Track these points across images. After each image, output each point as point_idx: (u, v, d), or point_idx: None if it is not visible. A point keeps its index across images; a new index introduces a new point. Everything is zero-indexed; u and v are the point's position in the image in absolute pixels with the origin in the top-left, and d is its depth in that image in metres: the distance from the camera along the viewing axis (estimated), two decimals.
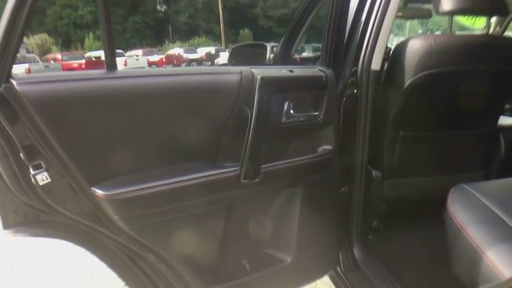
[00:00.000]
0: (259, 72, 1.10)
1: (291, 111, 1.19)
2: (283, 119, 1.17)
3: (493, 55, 1.42)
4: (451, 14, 1.47)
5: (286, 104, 1.17)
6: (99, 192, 0.93)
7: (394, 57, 1.47)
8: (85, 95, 0.91)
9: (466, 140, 1.65)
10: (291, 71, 1.19)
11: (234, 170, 1.09)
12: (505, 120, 1.76)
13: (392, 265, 1.53)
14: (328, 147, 1.31)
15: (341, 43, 1.32)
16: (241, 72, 1.08)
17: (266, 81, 1.09)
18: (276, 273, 1.31)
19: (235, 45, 2.36)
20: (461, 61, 1.39)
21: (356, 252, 1.54)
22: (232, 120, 1.10)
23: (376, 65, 1.36)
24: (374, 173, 1.61)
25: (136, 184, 0.97)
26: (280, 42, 2.40)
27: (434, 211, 1.93)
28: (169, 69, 1.16)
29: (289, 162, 1.20)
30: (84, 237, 1.05)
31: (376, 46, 1.34)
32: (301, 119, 1.22)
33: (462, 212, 1.15)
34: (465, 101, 1.53)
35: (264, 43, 2.47)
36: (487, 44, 1.43)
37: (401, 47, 1.44)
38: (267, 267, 1.30)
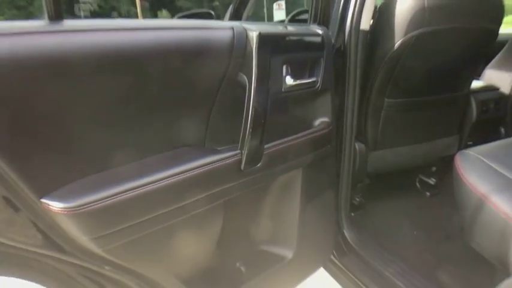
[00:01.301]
0: (253, 28, 0.85)
1: (289, 78, 0.97)
2: (283, 87, 0.95)
3: (482, 13, 1.33)
4: None
5: (284, 69, 0.95)
6: (54, 205, 0.64)
7: (381, 16, 1.31)
8: (17, 58, 0.59)
9: (445, 105, 1.59)
10: (286, 28, 0.97)
11: (233, 156, 0.85)
12: (474, 84, 1.72)
13: (386, 242, 1.42)
14: (326, 119, 1.12)
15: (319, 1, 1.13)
16: (232, 28, 0.82)
17: (264, 39, 0.85)
18: (278, 271, 1.11)
19: (181, 14, 2.06)
20: (454, 19, 1.28)
21: (347, 233, 1.40)
22: (224, 90, 0.85)
23: (365, 24, 1.19)
24: (357, 146, 1.47)
25: (107, 188, 0.68)
26: (229, 11, 2.16)
27: (414, 180, 1.88)
28: (138, 21, 0.89)
29: (291, 139, 0.99)
30: (30, 267, 0.75)
31: (366, 2, 1.16)
32: (301, 86, 1.00)
33: (481, 182, 1.04)
34: (452, 62, 1.44)
35: (211, 11, 2.19)
36: (478, 1, 1.33)
37: (389, 4, 1.28)
38: (267, 268, 1.09)
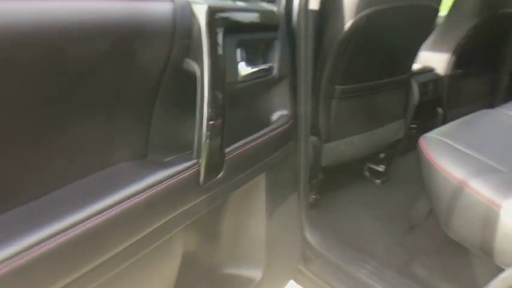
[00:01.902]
0: (198, 1, 0.66)
1: (244, 65, 0.80)
2: (239, 76, 0.77)
3: None
4: None
5: (239, 53, 0.77)
6: None
7: None
8: None
9: (393, 88, 1.54)
10: (235, 2, 0.79)
11: (189, 167, 0.65)
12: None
13: (351, 239, 1.32)
14: (285, 111, 0.97)
15: None
16: (173, 1, 0.62)
17: (216, 15, 0.66)
18: None
19: None
20: None
21: (309, 236, 1.27)
22: (167, 82, 0.65)
23: (314, 3, 1.06)
24: (311, 139, 1.35)
25: (15, 239, 0.45)
26: None
27: (362, 169, 1.82)
28: None
29: (252, 140, 0.82)
30: None
31: None
32: (257, 74, 0.83)
33: (455, 167, 0.98)
34: (400, 42, 1.38)
35: None
36: None
37: None
38: None
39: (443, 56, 1.75)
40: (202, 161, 0.67)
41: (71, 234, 0.48)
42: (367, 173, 1.83)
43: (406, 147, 1.87)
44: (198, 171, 0.66)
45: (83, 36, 0.52)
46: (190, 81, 0.67)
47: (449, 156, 1.02)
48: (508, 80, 2.03)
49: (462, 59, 1.75)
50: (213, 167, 0.69)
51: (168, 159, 0.69)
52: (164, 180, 0.61)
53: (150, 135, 0.67)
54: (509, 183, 0.92)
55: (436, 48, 1.76)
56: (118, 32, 0.55)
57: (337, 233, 1.36)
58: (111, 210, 0.53)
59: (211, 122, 0.66)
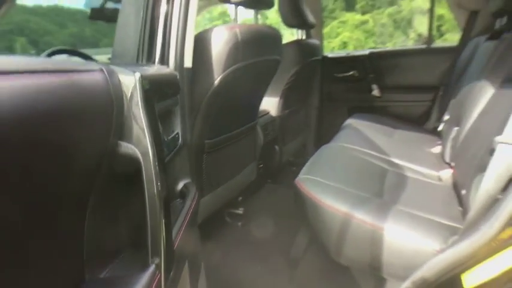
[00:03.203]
0: (123, 69, 0.54)
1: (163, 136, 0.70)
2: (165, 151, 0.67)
3: (273, 47, 1.44)
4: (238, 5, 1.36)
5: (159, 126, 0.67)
6: None
7: (198, 52, 1.17)
8: None
9: (247, 135, 1.62)
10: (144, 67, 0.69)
11: (151, 281, 0.51)
12: None
13: None
14: (187, 180, 0.90)
15: (154, 36, 0.91)
16: (102, 70, 0.49)
17: (149, 86, 0.56)
18: None
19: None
20: (259, 52, 1.31)
21: None
22: (104, 174, 0.50)
23: (188, 61, 1.04)
24: None
25: None
26: None
27: (222, 215, 1.82)
28: None
29: (182, 223, 0.71)
30: None
31: (186, 37, 1.01)
32: (171, 145, 0.74)
33: (339, 203, 1.10)
34: (255, 92, 1.48)
35: None
36: (272, 35, 1.42)
37: (203, 39, 1.16)
38: None
39: (274, 100, 1.98)
40: (161, 263, 0.53)
41: None
42: (227, 218, 1.85)
43: (257, 186, 2.00)
44: (160, 280, 0.53)
45: None
46: (126, 168, 0.54)
47: (328, 193, 1.15)
48: (316, 114, 2.46)
49: (287, 100, 2.02)
50: (169, 266, 0.57)
51: (105, 273, 0.52)
52: None
53: (86, 242, 0.50)
54: (383, 207, 1.10)
55: (268, 93, 1.96)
56: (38, 117, 0.39)
57: None
58: None
59: (164, 215, 0.54)
